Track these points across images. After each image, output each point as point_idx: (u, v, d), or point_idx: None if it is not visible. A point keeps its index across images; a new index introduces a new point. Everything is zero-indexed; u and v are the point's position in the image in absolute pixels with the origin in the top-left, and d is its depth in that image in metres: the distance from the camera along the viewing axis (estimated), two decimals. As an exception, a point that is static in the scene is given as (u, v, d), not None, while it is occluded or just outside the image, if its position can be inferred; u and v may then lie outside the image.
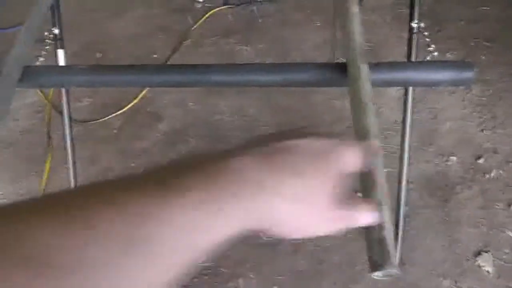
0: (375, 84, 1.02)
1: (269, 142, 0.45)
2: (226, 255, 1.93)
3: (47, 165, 2.33)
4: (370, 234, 0.76)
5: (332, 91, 2.42)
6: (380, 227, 0.76)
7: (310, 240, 1.96)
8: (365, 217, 0.52)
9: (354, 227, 0.51)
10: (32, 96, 2.65)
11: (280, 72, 1.04)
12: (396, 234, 1.82)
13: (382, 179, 0.87)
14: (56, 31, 1.68)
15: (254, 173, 0.40)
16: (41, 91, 2.63)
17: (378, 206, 0.84)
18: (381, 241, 0.73)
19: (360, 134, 0.95)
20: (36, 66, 1.40)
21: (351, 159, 0.48)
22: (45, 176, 2.30)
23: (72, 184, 1.91)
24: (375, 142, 0.53)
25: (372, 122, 0.97)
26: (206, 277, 1.88)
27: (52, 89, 2.61)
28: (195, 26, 2.75)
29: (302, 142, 0.45)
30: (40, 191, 2.25)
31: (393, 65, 1.09)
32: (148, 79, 1.17)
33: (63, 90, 1.81)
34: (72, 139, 1.87)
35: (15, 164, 2.42)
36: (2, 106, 1.15)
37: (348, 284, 1.85)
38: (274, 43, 2.69)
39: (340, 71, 1.05)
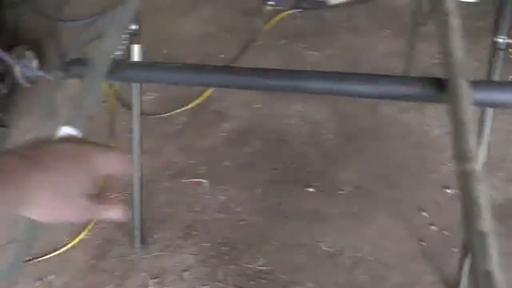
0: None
1: (38, 145, 0.56)
2: (286, 260, 1.91)
3: (110, 154, 2.38)
4: (476, 266, 0.71)
5: (401, 103, 2.36)
6: (487, 258, 0.71)
7: (371, 255, 1.92)
8: (110, 213, 0.60)
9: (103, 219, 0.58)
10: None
11: (377, 83, 1.00)
12: (463, 261, 1.75)
13: (488, 208, 0.82)
14: (134, 26, 1.71)
15: (16, 169, 0.50)
16: (107, 82, 2.69)
17: (483, 236, 0.79)
18: (489, 275, 0.69)
19: (458, 156, 0.91)
20: (124, 60, 1.43)
21: (103, 163, 0.58)
22: (107, 166, 2.35)
23: (137, 176, 1.93)
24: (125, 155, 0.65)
25: (472, 144, 0.92)
26: (264, 281, 1.87)
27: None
28: (264, 28, 2.74)
29: (64, 146, 0.57)
30: (101, 178, 2.30)
31: (496, 84, 1.04)
32: (237, 81, 1.16)
33: (135, 84, 1.83)
34: (140, 133, 1.89)
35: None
36: (91, 97, 1.18)
37: (408, 305, 1.80)
38: (343, 50, 2.65)
39: (438, 87, 1.01)
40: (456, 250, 1.91)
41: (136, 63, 1.45)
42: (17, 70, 2.63)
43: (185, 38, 2.80)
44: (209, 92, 2.47)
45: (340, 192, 2.09)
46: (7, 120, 2.66)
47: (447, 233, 1.96)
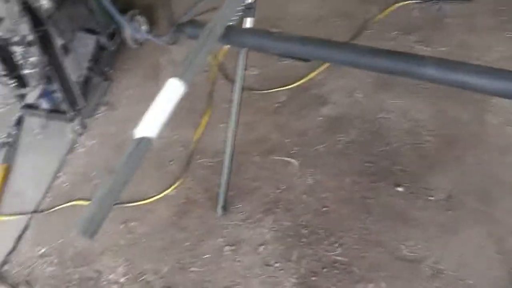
0: None
1: None
2: (363, 256, 1.89)
3: (204, 121, 2.44)
4: None
5: (510, 115, 2.21)
6: None
7: (453, 270, 1.83)
8: None
9: None
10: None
11: (498, 77, 0.94)
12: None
13: None
14: (249, 0, 1.73)
15: None
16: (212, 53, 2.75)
17: None
18: None
19: None
20: (237, 27, 1.45)
21: None
22: (200, 130, 2.42)
23: (230, 146, 1.96)
24: None
25: None
26: (337, 272, 1.86)
27: (222, 52, 2.72)
28: (378, 17, 2.65)
29: None
30: (192, 141, 2.38)
31: None
32: (349, 58, 1.16)
33: (242, 55, 1.84)
34: (239, 104, 1.92)
35: (177, 112, 2.55)
36: (202, 56, 1.21)
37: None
38: (457, 48, 2.49)
39: None
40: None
41: (249, 30, 1.48)
42: (127, 32, 2.79)
43: (297, 20, 2.77)
44: (312, 74, 2.45)
45: (430, 198, 2.01)
46: (111, 75, 2.83)
47: (544, 265, 1.83)
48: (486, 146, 2.15)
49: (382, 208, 1.99)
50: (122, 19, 2.48)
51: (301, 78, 2.47)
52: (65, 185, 2.49)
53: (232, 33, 1.39)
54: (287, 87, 2.46)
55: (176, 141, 2.42)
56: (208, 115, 2.47)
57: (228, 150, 1.96)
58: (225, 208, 2.10)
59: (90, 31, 2.68)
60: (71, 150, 2.62)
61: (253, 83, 2.52)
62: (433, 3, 2.70)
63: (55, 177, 2.52)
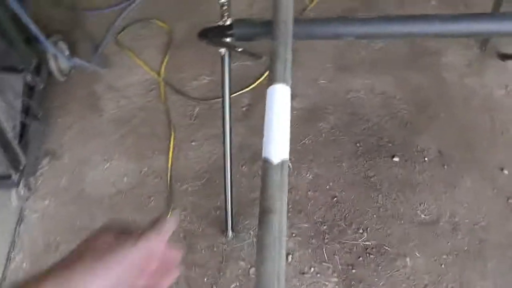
0: None
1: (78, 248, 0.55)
2: (389, 233, 1.88)
3: (171, 143, 2.26)
4: None
5: (462, 69, 2.36)
6: None
7: (467, 218, 1.91)
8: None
9: None
10: (141, 73, 2.57)
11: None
12: None
13: None
14: None
15: None
16: (151, 69, 2.56)
17: None
18: None
19: None
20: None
21: (151, 244, 0.57)
22: (170, 154, 2.23)
23: (228, 159, 1.83)
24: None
25: None
26: (372, 256, 1.83)
27: (163, 66, 2.54)
28: (310, 7, 2.63)
29: (100, 242, 0.55)
30: (167, 169, 2.19)
31: None
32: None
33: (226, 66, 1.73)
34: (230, 120, 1.81)
35: (136, 143, 2.33)
36: (288, 52, 1.09)
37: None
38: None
39: None
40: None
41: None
42: (52, 62, 2.45)
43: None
44: (267, 73, 2.38)
45: (425, 159, 2.07)
46: (46, 117, 2.48)
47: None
48: (452, 101, 2.27)
49: (387, 181, 2.01)
50: (50, 45, 2.17)
51: (258, 78, 2.38)
52: (24, 264, 2.12)
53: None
54: (246, 89, 2.36)
55: (148, 174, 2.21)
56: (173, 137, 2.28)
57: (228, 165, 1.82)
58: (232, 228, 1.96)
59: (13, 69, 2.29)
60: (20, 220, 2.26)
61: (207, 92, 2.38)
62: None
63: (9, 258, 2.14)
